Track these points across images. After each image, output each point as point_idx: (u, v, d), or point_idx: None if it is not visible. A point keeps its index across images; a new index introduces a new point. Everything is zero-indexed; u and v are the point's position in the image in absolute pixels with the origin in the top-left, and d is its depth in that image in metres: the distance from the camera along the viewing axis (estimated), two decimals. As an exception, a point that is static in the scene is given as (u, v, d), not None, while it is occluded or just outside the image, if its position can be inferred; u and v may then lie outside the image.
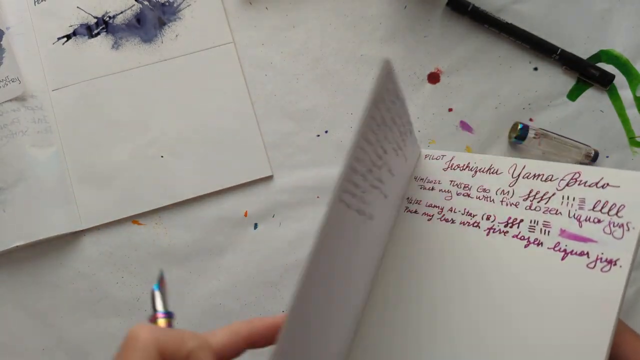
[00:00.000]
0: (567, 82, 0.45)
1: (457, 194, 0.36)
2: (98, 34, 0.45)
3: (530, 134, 0.43)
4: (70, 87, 0.45)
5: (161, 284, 0.30)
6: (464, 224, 0.34)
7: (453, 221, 0.35)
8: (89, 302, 0.42)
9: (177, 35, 0.45)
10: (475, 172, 0.36)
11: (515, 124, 0.44)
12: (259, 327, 0.28)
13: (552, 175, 0.32)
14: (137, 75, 0.45)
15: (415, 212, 0.37)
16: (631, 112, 0.45)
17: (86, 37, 0.45)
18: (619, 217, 0.28)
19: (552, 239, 0.30)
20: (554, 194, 0.31)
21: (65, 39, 0.45)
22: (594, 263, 0.28)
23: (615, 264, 0.27)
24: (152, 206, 0.43)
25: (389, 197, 0.34)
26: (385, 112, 0.29)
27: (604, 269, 0.28)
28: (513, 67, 0.45)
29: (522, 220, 0.32)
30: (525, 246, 0.31)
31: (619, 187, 0.29)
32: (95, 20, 0.46)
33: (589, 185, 0.30)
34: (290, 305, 0.23)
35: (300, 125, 0.45)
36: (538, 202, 0.32)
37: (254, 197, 0.44)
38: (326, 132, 0.45)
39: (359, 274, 0.34)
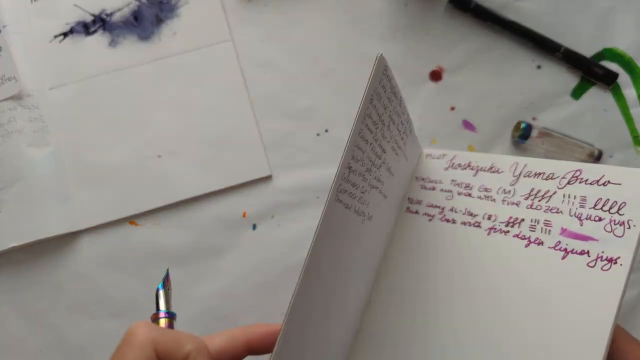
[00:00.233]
0: (570, 80, 0.45)
1: (459, 194, 0.36)
2: (95, 31, 0.45)
3: (534, 133, 0.43)
4: (67, 86, 0.45)
5: (166, 283, 0.30)
6: (465, 224, 0.34)
7: (454, 221, 0.35)
8: (86, 303, 0.43)
9: (174, 33, 0.45)
10: (477, 171, 0.36)
11: (518, 123, 0.43)
12: (259, 333, 0.28)
13: (553, 174, 0.32)
14: (135, 74, 0.45)
15: (417, 212, 0.37)
16: (635, 110, 0.44)
17: (83, 35, 0.45)
18: (620, 214, 0.28)
19: (552, 238, 0.30)
20: (555, 193, 0.31)
21: (62, 37, 0.45)
22: (594, 262, 0.28)
23: (615, 263, 0.27)
24: (149, 206, 0.43)
25: (388, 197, 0.34)
26: (382, 110, 0.29)
27: (604, 268, 0.28)
28: (516, 65, 0.45)
29: (523, 220, 0.32)
30: (526, 246, 0.31)
31: (620, 184, 0.29)
32: (92, 18, 0.46)
33: (590, 183, 0.30)
34: (288, 310, 0.23)
35: (300, 124, 0.45)
36: (539, 201, 0.32)
37: (252, 198, 0.44)
38: (326, 131, 0.45)
39: (359, 276, 0.34)
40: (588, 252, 0.29)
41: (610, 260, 0.28)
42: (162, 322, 0.28)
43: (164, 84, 0.45)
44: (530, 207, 0.32)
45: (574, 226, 0.30)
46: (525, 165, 0.34)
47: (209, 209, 0.44)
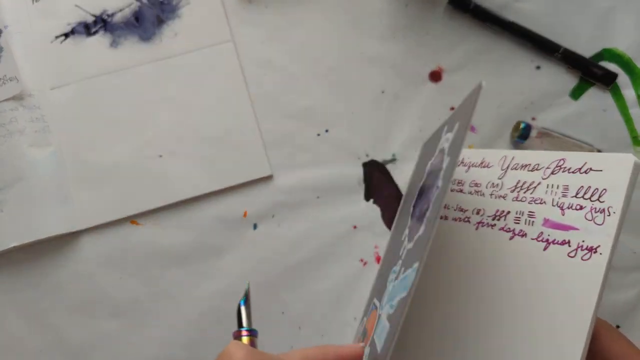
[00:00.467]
0: (569, 80, 0.45)
1: (451, 190, 0.36)
2: (96, 32, 0.46)
3: (533, 133, 0.43)
4: (68, 86, 0.45)
5: (247, 299, 0.30)
6: (456, 220, 0.35)
7: (446, 218, 0.36)
8: (86, 303, 0.43)
9: (176, 34, 0.46)
10: (469, 167, 0.36)
11: (518, 123, 0.44)
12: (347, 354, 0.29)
13: (539, 164, 0.32)
14: (136, 74, 0.45)
15: None
16: (634, 111, 0.45)
17: (84, 35, 0.46)
18: (600, 202, 0.28)
19: (535, 229, 0.31)
20: (539, 184, 0.32)
21: (63, 37, 0.46)
22: (574, 252, 0.29)
23: (595, 252, 0.28)
24: (150, 206, 0.43)
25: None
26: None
27: (584, 257, 0.28)
28: (515, 65, 0.45)
29: (508, 212, 0.33)
30: (510, 238, 0.32)
31: (601, 170, 0.29)
32: (94, 18, 0.46)
33: (573, 172, 0.30)
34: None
35: (300, 125, 0.45)
36: (524, 192, 0.32)
37: (253, 197, 0.44)
38: (326, 131, 0.45)
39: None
40: (569, 242, 0.29)
41: (590, 250, 0.28)
42: (245, 339, 0.28)
43: (165, 85, 0.45)
44: (516, 199, 0.33)
45: (556, 216, 0.30)
46: (512, 158, 0.34)
47: (209, 208, 0.44)
